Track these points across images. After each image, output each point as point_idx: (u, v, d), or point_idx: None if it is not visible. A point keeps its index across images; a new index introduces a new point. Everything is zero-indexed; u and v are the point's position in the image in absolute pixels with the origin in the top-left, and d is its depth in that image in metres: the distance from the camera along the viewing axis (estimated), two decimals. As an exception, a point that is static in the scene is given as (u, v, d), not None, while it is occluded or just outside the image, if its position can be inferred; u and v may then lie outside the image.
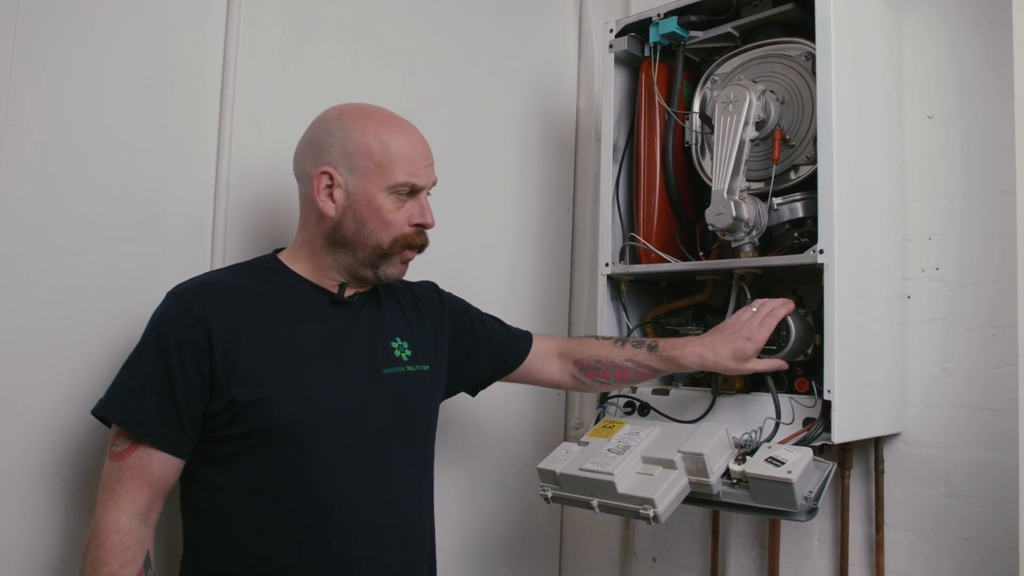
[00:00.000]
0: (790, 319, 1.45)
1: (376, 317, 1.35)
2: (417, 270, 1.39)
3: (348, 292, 1.31)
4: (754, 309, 1.46)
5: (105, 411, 1.16)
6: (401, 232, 1.28)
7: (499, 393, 1.69)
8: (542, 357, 1.57)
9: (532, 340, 1.57)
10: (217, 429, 1.17)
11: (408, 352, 1.36)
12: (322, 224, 1.27)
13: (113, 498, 1.12)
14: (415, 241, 1.30)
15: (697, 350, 1.43)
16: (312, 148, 1.27)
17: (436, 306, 1.47)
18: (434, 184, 1.32)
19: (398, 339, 1.36)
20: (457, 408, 1.80)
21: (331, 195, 1.25)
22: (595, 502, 1.40)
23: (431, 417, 1.40)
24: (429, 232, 1.33)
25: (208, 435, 1.18)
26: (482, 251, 2.00)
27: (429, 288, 1.51)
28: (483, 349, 1.51)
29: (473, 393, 1.58)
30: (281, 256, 1.33)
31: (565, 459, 1.47)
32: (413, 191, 1.28)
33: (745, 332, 1.41)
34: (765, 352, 1.44)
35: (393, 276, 1.32)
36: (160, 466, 1.15)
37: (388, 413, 1.29)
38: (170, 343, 1.15)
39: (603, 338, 1.59)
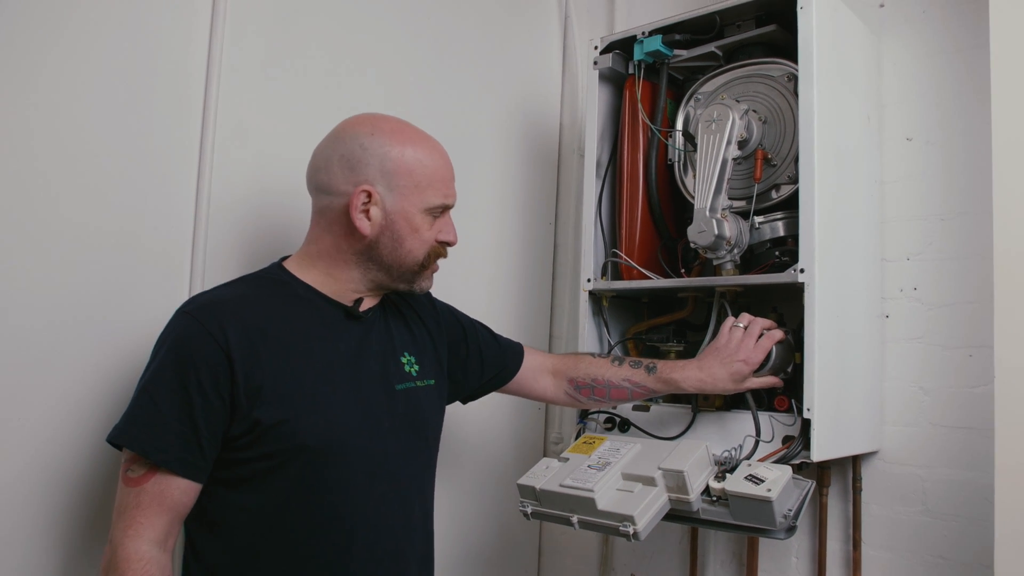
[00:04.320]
0: (770, 337, 1.47)
1: (385, 331, 1.33)
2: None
3: (363, 307, 1.29)
4: (742, 325, 1.48)
5: (122, 439, 1.11)
6: (431, 247, 1.28)
7: (479, 406, 1.68)
8: (534, 372, 1.56)
9: (523, 354, 1.56)
10: (236, 451, 1.14)
11: (416, 367, 1.34)
12: (352, 239, 1.24)
13: (132, 526, 1.08)
14: (441, 252, 1.32)
15: (696, 374, 1.45)
16: (344, 163, 1.22)
17: (431, 316, 1.46)
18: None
19: (406, 354, 1.34)
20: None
21: (367, 212, 1.22)
22: (575, 519, 1.39)
23: (439, 433, 1.38)
24: None
25: (225, 457, 1.14)
26: (463, 265, 1.98)
27: (422, 298, 1.49)
28: (475, 360, 1.49)
29: (464, 401, 1.56)
30: (288, 266, 1.28)
31: (545, 475, 1.47)
32: (444, 210, 1.29)
33: (742, 355, 1.44)
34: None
35: (427, 288, 1.34)
36: (179, 492, 1.11)
37: (403, 431, 1.27)
38: (188, 365, 1.11)
39: (599, 356, 1.58)
